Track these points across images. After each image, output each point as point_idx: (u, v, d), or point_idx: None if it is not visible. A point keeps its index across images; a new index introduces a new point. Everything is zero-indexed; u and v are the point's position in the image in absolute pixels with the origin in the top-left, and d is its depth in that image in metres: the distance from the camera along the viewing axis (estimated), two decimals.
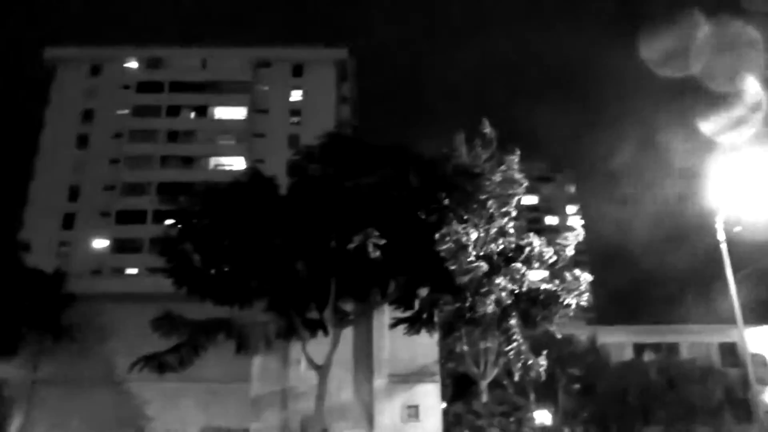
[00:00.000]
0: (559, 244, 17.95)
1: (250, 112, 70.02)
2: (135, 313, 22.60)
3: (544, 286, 17.75)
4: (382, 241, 15.80)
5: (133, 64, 71.78)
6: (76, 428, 22.87)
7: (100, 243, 64.95)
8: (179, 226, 18.66)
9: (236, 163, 64.80)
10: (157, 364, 18.35)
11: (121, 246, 64.50)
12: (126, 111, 69.30)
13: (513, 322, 17.31)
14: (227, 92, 70.53)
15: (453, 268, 16.52)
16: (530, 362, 17.28)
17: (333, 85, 71.91)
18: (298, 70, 72.38)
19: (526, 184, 17.80)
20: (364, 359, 21.45)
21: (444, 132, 17.99)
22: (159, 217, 61.58)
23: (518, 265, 17.00)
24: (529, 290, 17.48)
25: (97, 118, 69.11)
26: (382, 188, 16.51)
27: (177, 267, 18.82)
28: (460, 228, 16.21)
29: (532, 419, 30.14)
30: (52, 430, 22.95)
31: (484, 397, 28.28)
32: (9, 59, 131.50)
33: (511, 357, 17.50)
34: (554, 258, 17.73)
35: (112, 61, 71.44)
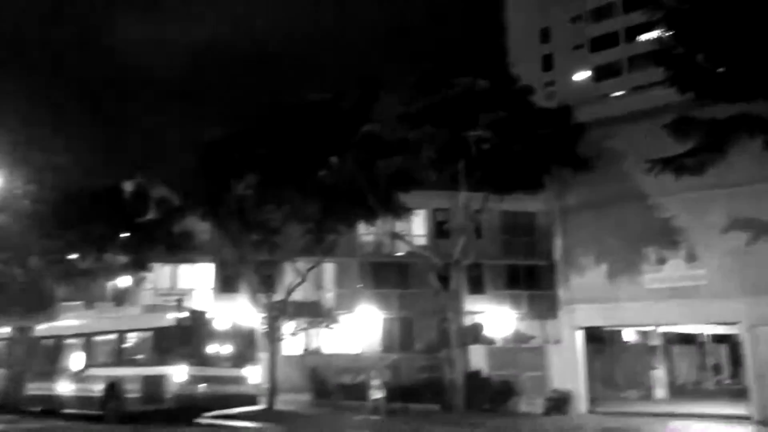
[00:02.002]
0: None
1: None
2: (643, 131, 22.70)
3: None
4: None
5: None
6: (609, 244, 24.52)
7: (580, 75, 66.61)
8: (672, 30, 17.61)
9: None
10: (676, 167, 18.52)
11: (600, 73, 65.01)
12: None
13: None
14: None
15: None
16: None
17: None
18: None
19: None
20: None
21: None
22: (631, 33, 59.54)
23: None
24: None
25: None
26: None
27: (678, 73, 18.07)
28: None
29: None
30: (588, 249, 25.08)
31: None
32: None
33: None
34: None
35: None
